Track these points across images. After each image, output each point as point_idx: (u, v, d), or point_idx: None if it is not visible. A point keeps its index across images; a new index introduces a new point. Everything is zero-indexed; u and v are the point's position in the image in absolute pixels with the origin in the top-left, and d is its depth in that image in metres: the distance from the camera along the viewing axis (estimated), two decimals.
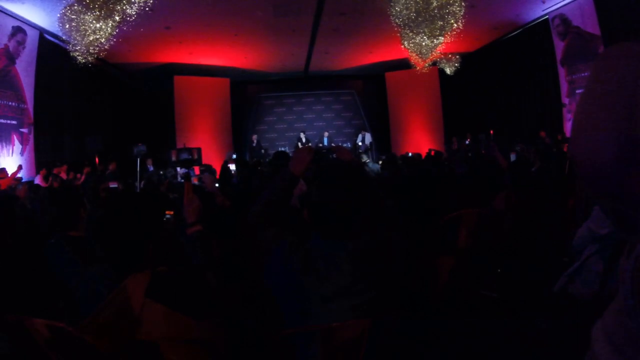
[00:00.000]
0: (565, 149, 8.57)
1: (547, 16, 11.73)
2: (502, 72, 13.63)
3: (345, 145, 16.25)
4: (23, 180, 8.49)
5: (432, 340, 2.71)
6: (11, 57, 9.64)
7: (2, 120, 9.50)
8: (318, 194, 1.64)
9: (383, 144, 16.64)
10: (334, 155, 1.98)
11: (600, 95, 0.77)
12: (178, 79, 15.30)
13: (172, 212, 3.00)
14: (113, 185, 7.47)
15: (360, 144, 16.15)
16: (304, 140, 15.83)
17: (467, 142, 13.17)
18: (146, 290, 1.43)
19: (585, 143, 0.76)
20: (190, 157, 13.23)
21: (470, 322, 2.91)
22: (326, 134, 16.40)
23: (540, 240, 3.20)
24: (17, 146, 9.99)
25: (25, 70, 10.11)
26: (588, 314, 2.04)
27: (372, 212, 1.71)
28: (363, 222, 1.65)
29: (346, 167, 1.71)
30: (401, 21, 9.35)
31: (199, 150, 13.63)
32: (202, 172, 9.99)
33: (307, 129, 16.75)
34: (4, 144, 9.56)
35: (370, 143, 16.31)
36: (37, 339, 1.41)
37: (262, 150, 15.37)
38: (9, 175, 8.46)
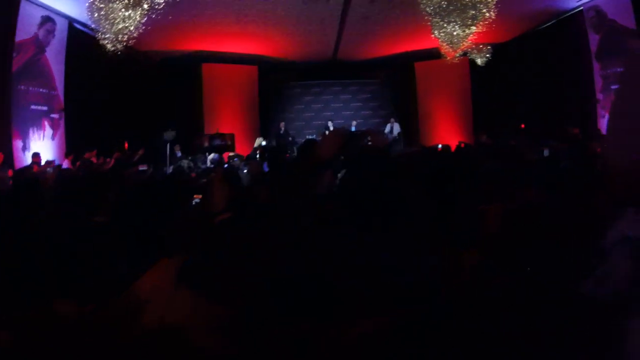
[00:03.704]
0: (596, 146, 8.31)
1: (581, 7, 11.37)
2: (534, 65, 13.26)
3: None
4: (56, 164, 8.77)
5: (449, 338, 2.68)
6: (41, 46, 9.93)
7: (33, 107, 9.81)
8: (353, 183, 1.59)
9: (410, 134, 16.43)
10: (369, 140, 1.84)
11: (635, 96, 0.75)
12: (206, 67, 15.43)
13: (200, 197, 3.03)
14: (143, 167, 7.60)
15: (388, 133, 15.82)
16: (331, 129, 15.67)
17: (492, 134, 12.74)
18: (175, 276, 1.45)
19: (620, 144, 0.75)
20: (223, 142, 13.05)
21: (489, 322, 2.87)
22: (354, 123, 16.16)
23: (567, 239, 3.15)
24: (48, 131, 10.30)
25: (55, 58, 10.44)
26: (614, 316, 2.00)
27: (407, 204, 1.63)
28: (399, 215, 1.58)
29: (384, 153, 1.63)
30: (432, 10, 9.20)
31: (232, 136, 13.49)
32: (231, 158, 9.97)
33: (334, 117, 16.64)
34: (35, 130, 9.86)
35: (399, 133, 15.98)
36: (61, 323, 1.43)
37: (290, 138, 15.37)
38: (42, 162, 8.72)
